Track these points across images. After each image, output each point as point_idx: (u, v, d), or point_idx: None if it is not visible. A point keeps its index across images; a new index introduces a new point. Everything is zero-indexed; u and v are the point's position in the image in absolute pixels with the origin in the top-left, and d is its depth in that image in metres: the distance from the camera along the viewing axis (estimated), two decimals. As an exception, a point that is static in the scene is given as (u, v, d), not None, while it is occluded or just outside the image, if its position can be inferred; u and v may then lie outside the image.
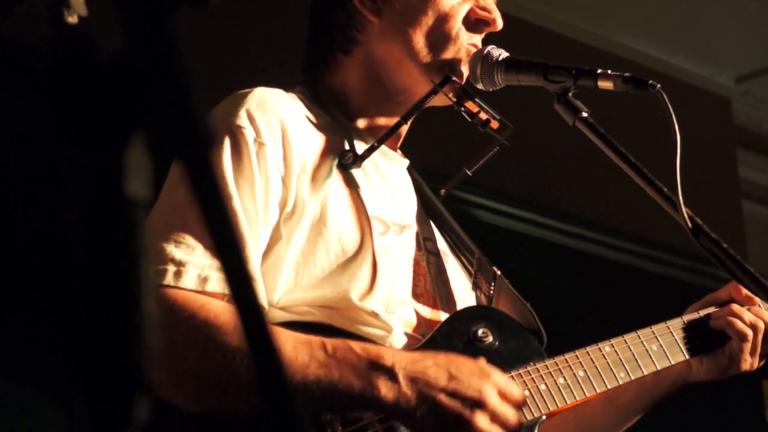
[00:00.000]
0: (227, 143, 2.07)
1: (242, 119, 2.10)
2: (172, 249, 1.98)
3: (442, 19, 2.26)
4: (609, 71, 2.16)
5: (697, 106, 5.56)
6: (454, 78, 2.25)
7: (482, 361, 2.01)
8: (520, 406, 2.04)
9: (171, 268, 1.96)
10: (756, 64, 5.79)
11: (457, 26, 2.27)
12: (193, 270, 1.97)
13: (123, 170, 0.85)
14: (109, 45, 0.87)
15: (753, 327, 2.32)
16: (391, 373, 1.94)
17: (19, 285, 3.58)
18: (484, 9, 2.29)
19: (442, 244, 2.38)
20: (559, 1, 5.25)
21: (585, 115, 2.18)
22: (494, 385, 1.98)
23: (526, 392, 2.11)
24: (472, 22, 2.29)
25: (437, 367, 1.97)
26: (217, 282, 1.97)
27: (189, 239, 1.98)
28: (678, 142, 2.06)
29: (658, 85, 2.10)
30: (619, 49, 5.43)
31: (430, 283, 2.27)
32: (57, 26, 0.88)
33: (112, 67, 0.86)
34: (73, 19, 0.94)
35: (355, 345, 1.96)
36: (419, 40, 2.26)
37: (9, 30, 3.63)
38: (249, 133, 2.08)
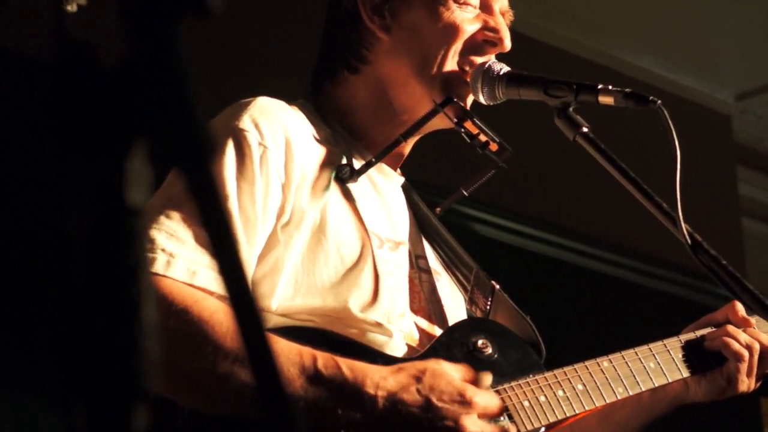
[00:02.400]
0: (230, 145, 2.08)
1: (246, 123, 2.10)
2: (163, 239, 1.97)
3: (450, 37, 2.26)
4: (610, 87, 2.16)
5: (697, 123, 5.57)
6: (455, 99, 2.25)
7: (467, 388, 2.00)
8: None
9: (161, 257, 1.96)
10: (756, 81, 5.80)
11: (462, 45, 2.27)
12: (182, 263, 1.96)
13: (124, 179, 0.85)
14: (111, 54, 0.87)
15: (749, 348, 2.32)
16: (372, 399, 1.94)
17: (18, 292, 3.58)
18: (492, 30, 2.29)
19: (434, 262, 2.38)
20: (561, 16, 5.26)
21: (585, 130, 2.19)
22: (474, 411, 1.98)
23: (525, 403, 2.12)
24: (479, 43, 2.28)
25: (418, 394, 1.96)
26: (205, 278, 1.96)
27: (181, 232, 1.98)
28: (678, 158, 2.06)
29: (659, 101, 2.11)
30: (620, 65, 5.44)
31: (425, 300, 2.28)
32: (59, 35, 0.88)
33: (113, 76, 0.86)
34: (72, 8, 0.93)
35: (344, 365, 1.96)
36: (426, 57, 2.26)
37: (9, 38, 3.63)
38: (252, 136, 2.09)
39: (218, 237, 0.82)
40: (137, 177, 0.85)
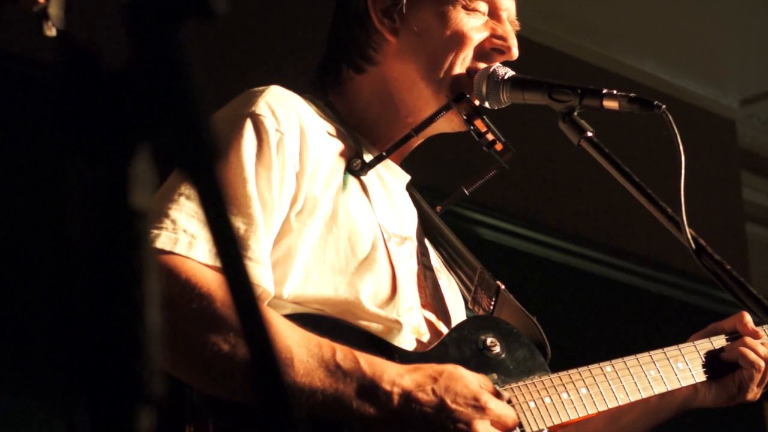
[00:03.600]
0: (248, 129, 2.07)
1: (263, 109, 2.10)
2: (185, 220, 1.96)
3: (458, 44, 2.27)
4: (614, 91, 2.17)
5: (701, 128, 5.56)
6: (468, 95, 2.26)
7: (482, 393, 2.01)
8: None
9: (184, 238, 1.95)
10: (761, 86, 5.79)
11: (470, 52, 2.28)
12: (203, 244, 1.95)
13: (128, 182, 0.85)
14: (115, 57, 0.87)
15: (766, 360, 2.36)
16: (387, 395, 1.95)
17: (22, 295, 3.58)
18: (500, 38, 2.30)
19: (435, 260, 2.39)
20: (566, 21, 5.26)
21: (590, 134, 2.19)
22: (487, 417, 1.99)
23: (531, 404, 2.12)
24: (486, 51, 2.30)
25: (433, 394, 1.98)
26: None
27: (202, 215, 1.96)
28: (682, 163, 2.07)
29: (664, 106, 2.11)
30: (625, 70, 5.43)
31: (430, 296, 2.28)
32: (63, 37, 0.88)
33: (118, 79, 0.86)
34: (51, 33, 0.94)
35: (362, 359, 1.97)
36: (434, 62, 2.27)
37: (13, 40, 3.64)
38: (270, 122, 2.09)
39: (227, 249, 0.82)
40: (141, 180, 0.85)
